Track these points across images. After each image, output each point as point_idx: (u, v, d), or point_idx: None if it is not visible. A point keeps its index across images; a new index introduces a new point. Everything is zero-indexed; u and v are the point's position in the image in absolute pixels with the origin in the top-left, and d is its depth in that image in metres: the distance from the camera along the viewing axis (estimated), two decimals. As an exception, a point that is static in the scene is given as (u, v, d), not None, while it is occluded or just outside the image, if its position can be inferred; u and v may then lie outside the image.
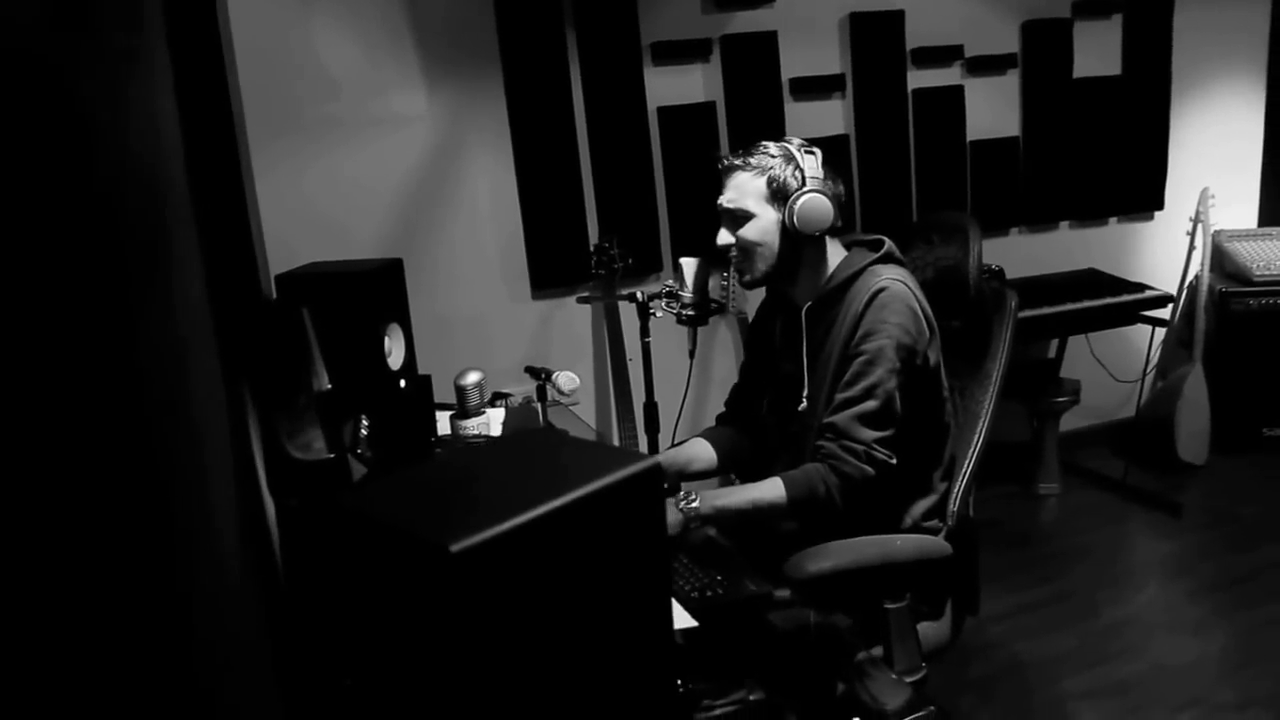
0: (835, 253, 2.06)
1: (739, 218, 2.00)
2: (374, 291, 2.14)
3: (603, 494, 0.89)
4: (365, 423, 2.00)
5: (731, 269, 2.08)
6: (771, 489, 1.91)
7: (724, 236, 2.03)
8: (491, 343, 3.35)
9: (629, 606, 0.95)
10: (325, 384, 1.41)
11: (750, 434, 2.25)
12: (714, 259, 2.19)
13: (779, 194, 1.97)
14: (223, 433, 0.79)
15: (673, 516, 1.89)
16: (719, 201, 2.03)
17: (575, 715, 0.90)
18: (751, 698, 1.36)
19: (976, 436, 2.09)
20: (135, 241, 0.68)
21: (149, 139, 0.70)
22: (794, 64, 3.57)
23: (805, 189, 1.95)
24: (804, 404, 2.02)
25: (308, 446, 1.17)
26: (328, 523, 0.90)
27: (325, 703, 0.98)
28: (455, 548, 0.78)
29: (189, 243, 0.74)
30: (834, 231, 2.01)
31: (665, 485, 2.19)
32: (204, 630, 0.74)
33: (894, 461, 1.89)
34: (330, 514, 0.90)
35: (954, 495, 2.07)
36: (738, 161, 2.01)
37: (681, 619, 1.56)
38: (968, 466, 2.08)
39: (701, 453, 2.21)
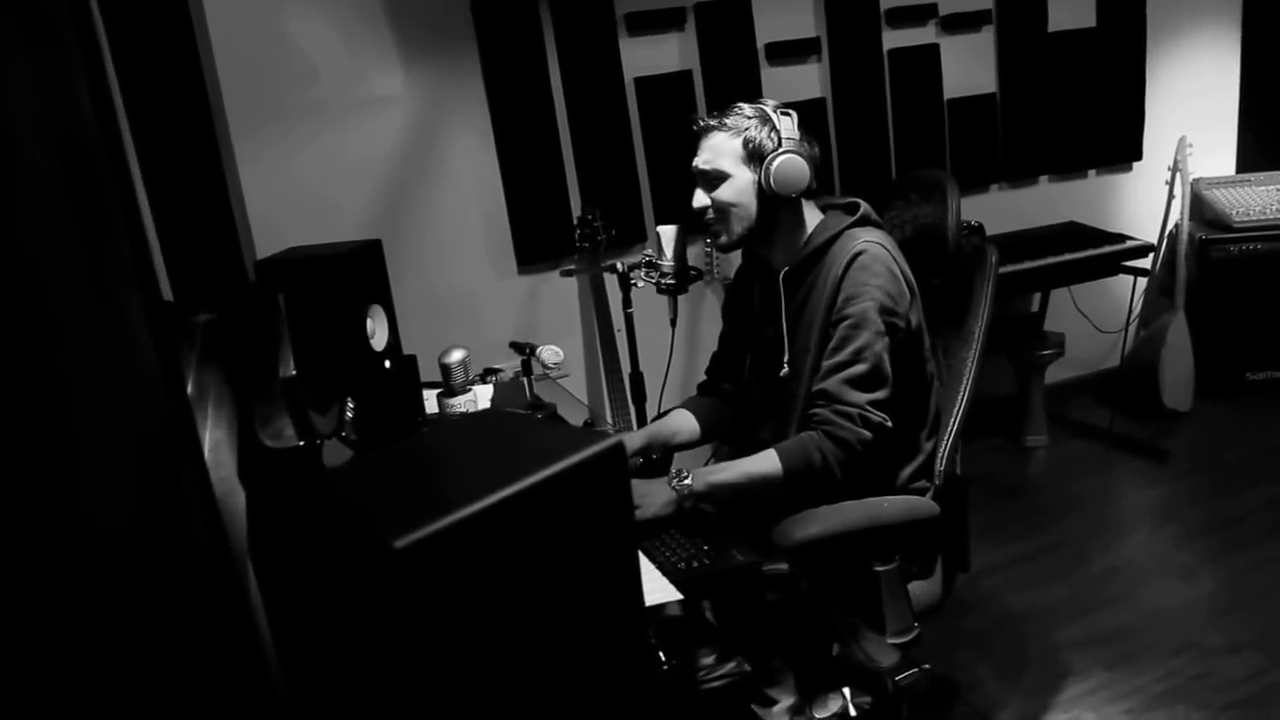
0: (812, 215, 2.05)
1: (714, 179, 1.99)
2: (353, 273, 2.13)
3: (562, 477, 0.87)
4: (350, 405, 2.00)
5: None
6: (766, 462, 1.90)
7: (700, 198, 2.02)
8: (480, 319, 3.34)
9: (595, 588, 0.93)
10: (291, 370, 1.40)
11: (732, 402, 2.25)
12: (693, 226, 2.18)
13: (755, 155, 1.96)
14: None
15: (666, 495, 1.88)
16: (694, 164, 2.02)
17: (546, 705, 0.89)
18: (743, 669, 1.36)
19: (961, 394, 2.10)
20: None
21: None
22: (769, 29, 3.54)
23: (781, 150, 1.94)
24: (785, 369, 2.02)
25: (279, 434, 1.17)
26: (281, 514, 0.88)
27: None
28: (400, 543, 0.76)
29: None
30: (810, 194, 2.01)
31: (655, 459, 2.20)
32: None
33: (889, 424, 1.88)
34: (280, 505, 0.89)
35: (940, 454, 2.08)
36: (713, 122, 2.00)
37: (667, 592, 1.55)
38: (953, 425, 2.09)
39: (684, 424, 2.21)
